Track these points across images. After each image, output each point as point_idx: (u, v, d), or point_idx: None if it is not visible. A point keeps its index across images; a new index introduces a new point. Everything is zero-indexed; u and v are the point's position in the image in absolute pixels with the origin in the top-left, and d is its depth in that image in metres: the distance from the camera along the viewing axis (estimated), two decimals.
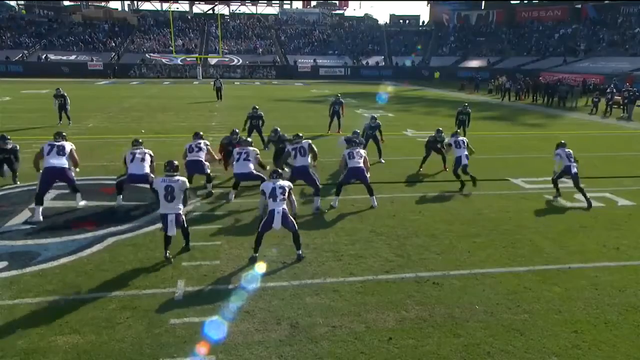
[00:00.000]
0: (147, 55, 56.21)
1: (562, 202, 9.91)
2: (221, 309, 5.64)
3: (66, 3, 63.59)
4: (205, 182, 10.20)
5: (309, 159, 9.30)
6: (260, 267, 6.73)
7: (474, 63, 53.91)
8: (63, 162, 8.73)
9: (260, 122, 14.50)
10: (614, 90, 25.72)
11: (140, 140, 9.45)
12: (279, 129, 11.33)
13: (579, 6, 56.48)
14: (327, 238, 7.68)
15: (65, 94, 18.80)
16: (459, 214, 9.07)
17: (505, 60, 52.73)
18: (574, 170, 9.58)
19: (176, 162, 6.95)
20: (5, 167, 10.28)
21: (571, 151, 9.98)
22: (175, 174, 6.85)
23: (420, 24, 69.87)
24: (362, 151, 9.53)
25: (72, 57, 53.28)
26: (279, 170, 7.62)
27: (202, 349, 4.87)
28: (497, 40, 58.68)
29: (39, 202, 8.40)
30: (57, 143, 8.79)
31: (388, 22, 70.15)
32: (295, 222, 6.93)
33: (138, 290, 5.92)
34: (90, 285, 6.08)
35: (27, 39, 55.46)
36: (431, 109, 26.64)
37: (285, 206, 6.77)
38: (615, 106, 24.92)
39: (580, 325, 5.41)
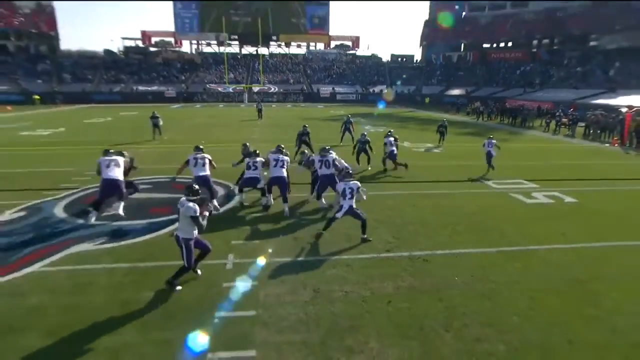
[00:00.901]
0: (207, 85, 56.69)
1: (523, 198, 9.74)
2: (260, 277, 5.73)
3: (152, 49, 64.64)
4: (210, 198, 8.28)
5: (332, 170, 8.33)
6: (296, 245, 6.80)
7: (456, 91, 53.06)
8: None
9: (308, 138, 14.40)
10: (562, 114, 25.43)
11: (202, 147, 8.60)
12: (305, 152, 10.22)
13: (535, 50, 56.17)
14: (343, 224, 7.69)
15: (159, 116, 18.91)
16: (443, 207, 8.97)
17: (480, 89, 51.74)
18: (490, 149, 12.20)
19: (197, 187, 5.45)
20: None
21: (494, 141, 12.34)
22: (192, 198, 5.30)
23: (414, 61, 69.02)
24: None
25: (154, 88, 54.07)
26: (350, 172, 7.67)
27: (246, 305, 4.97)
28: (473, 74, 57.61)
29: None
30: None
31: (389, 59, 69.36)
32: (361, 213, 6.95)
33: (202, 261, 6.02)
34: (165, 256, 6.21)
35: (124, 75, 56.56)
36: (423, 126, 26.30)
37: (353, 202, 6.85)
38: (563, 126, 24.56)
39: (535, 293, 5.35)
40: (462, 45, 65.33)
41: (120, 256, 6.25)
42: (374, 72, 63.52)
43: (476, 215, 8.50)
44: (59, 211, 8.33)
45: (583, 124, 23.25)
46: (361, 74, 62.59)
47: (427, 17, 68.84)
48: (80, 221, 7.73)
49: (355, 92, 55.71)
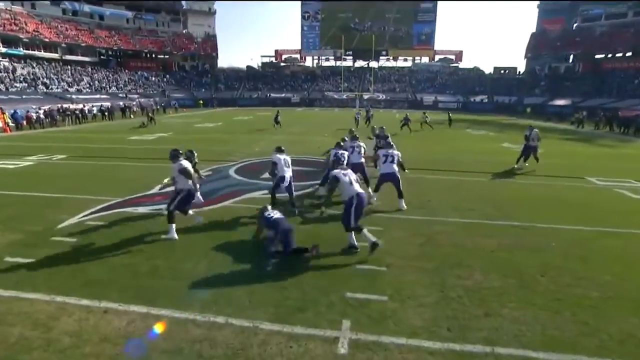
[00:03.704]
0: (325, 93, 59.48)
1: (629, 194, 8.85)
2: (385, 225, 6.45)
3: (282, 64, 70.02)
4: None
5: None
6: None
7: (561, 102, 46.72)
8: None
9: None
10: None
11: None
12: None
13: None
14: (450, 196, 8.02)
15: (279, 111, 23.56)
16: (543, 194, 8.68)
17: (589, 100, 44.93)
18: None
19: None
20: None
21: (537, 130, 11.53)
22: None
23: (517, 73, 62.69)
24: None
25: (283, 95, 58.69)
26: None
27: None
28: (581, 84, 50.19)
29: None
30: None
31: (492, 71, 64.13)
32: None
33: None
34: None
35: (260, 85, 62.54)
36: (520, 131, 24.32)
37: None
38: None
39: (633, 263, 5.16)
40: (571, 56, 57.26)
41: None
42: (475, 83, 59.59)
43: (577, 201, 8.09)
44: (232, 173, 10.34)
45: None
46: (463, 84, 59.20)
47: (534, 29, 62.04)
48: (247, 179, 9.46)
49: (456, 101, 53.07)
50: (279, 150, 7.05)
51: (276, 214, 5.31)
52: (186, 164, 5.83)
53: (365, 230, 5.27)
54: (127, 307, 3.99)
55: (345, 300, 4.19)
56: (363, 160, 8.02)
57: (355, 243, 5.38)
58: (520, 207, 7.61)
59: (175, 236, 5.70)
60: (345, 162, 7.13)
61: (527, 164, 11.68)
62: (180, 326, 3.71)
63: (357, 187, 5.36)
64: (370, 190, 7.68)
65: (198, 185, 6.15)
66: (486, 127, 27.45)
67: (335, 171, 5.66)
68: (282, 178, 6.81)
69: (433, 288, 4.46)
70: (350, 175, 5.50)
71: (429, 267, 4.98)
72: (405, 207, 7.32)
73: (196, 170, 6.66)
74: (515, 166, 11.58)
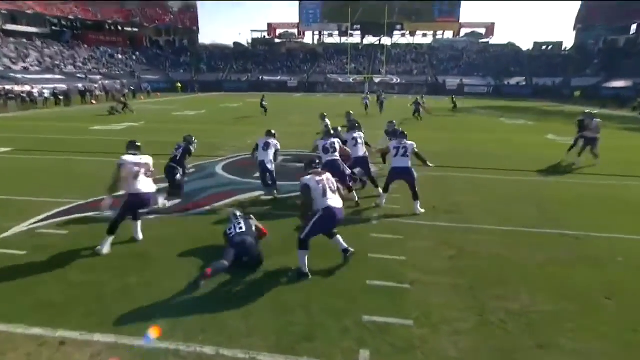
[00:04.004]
0: (328, 75, 59.56)
1: None
2: (406, 233, 6.39)
3: (277, 41, 70.23)
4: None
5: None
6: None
7: (619, 83, 46.25)
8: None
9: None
10: None
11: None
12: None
13: None
14: (479, 198, 7.92)
15: (264, 96, 25.54)
16: (600, 194, 8.59)
17: None
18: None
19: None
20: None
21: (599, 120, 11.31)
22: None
23: (563, 49, 62.51)
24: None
25: (278, 77, 58.86)
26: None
27: (395, 251, 5.66)
28: None
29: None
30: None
31: (531, 47, 64.00)
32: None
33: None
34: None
35: (251, 65, 62.70)
36: (569, 120, 24.23)
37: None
38: None
39: None
40: (634, 26, 56.38)
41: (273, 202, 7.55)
42: (510, 62, 59.60)
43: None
44: (219, 170, 10.37)
45: None
46: (495, 64, 59.20)
47: None
48: (238, 178, 9.46)
49: (487, 85, 53.14)
50: (269, 134, 8.14)
51: (238, 226, 5.35)
52: (127, 158, 5.52)
53: (306, 254, 4.94)
54: (90, 337, 3.84)
55: (362, 325, 4.09)
56: (366, 153, 8.09)
57: (306, 269, 4.98)
58: (572, 212, 7.50)
59: (105, 251, 5.47)
60: (329, 159, 7.24)
61: (580, 158, 11.56)
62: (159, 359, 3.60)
63: (331, 200, 4.94)
64: (380, 189, 7.77)
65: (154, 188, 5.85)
66: (524, 115, 27.40)
67: (307, 178, 4.99)
68: (261, 163, 7.77)
69: (469, 311, 4.35)
70: (327, 183, 4.99)
71: (462, 285, 4.86)
72: (422, 210, 7.28)
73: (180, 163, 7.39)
74: (565, 159, 11.49)
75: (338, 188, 5.17)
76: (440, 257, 5.60)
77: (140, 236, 5.99)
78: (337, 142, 7.63)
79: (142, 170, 5.59)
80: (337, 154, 7.49)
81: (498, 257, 5.62)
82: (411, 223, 6.81)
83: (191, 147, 7.58)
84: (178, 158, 7.46)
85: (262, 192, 8.26)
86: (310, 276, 4.97)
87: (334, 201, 4.97)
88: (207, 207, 7.47)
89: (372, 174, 8.27)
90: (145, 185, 5.62)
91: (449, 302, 4.52)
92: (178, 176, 7.44)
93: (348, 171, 7.61)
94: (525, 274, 5.14)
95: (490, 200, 8.11)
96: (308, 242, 4.94)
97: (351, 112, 11.18)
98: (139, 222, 6.00)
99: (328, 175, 5.19)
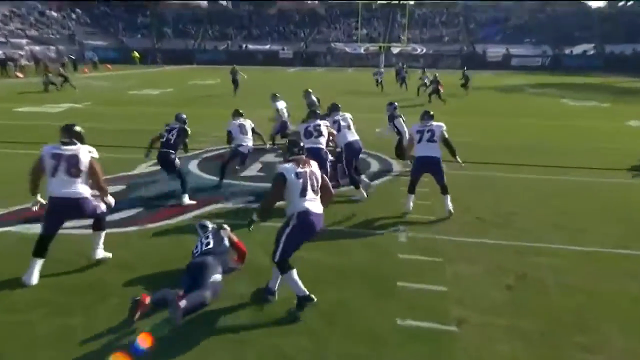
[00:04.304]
0: (332, 44, 59.57)
1: None
2: (444, 253, 6.24)
3: None
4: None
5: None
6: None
7: None
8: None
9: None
10: None
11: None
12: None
13: None
14: (544, 209, 7.76)
15: (234, 67, 25.92)
16: None
17: None
18: None
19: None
20: None
21: None
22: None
23: None
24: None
25: (267, 47, 58.90)
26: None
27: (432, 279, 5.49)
28: None
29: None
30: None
31: (603, 6, 63.66)
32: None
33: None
34: None
35: (232, 31, 62.68)
36: None
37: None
38: None
39: None
40: None
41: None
42: (574, 25, 59.33)
43: None
44: (193, 168, 10.42)
45: None
46: (553, 28, 58.98)
47: None
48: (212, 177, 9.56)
49: (542, 55, 53.09)
50: (237, 114, 9.31)
51: (205, 241, 5.29)
52: (47, 148, 5.26)
53: (294, 274, 4.74)
54: None
55: None
56: (357, 138, 8.26)
57: (275, 288, 5.01)
58: None
59: (33, 280, 5.24)
60: (309, 145, 7.14)
61: None
62: None
63: (311, 202, 4.74)
64: (363, 193, 8.20)
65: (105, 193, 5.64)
66: (595, 95, 27.41)
67: (285, 166, 4.80)
68: (237, 148, 8.86)
69: None
70: (309, 178, 4.77)
71: (529, 329, 4.66)
72: (451, 208, 7.43)
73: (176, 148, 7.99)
74: None
75: (325, 186, 4.95)
76: (494, 287, 5.45)
77: (100, 254, 5.77)
78: (323, 124, 7.66)
79: (64, 166, 5.20)
80: (322, 139, 7.49)
81: (574, 288, 5.46)
82: (451, 240, 6.73)
83: (187, 128, 8.16)
84: (173, 142, 7.86)
85: (252, 198, 8.36)
86: (315, 300, 4.79)
87: (314, 205, 4.77)
88: (179, 218, 7.38)
89: (395, 173, 8.71)
90: (69, 185, 5.23)
91: (514, 353, 4.32)
92: (177, 161, 7.96)
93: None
94: (617, 313, 4.96)
95: (556, 211, 7.98)
96: (287, 262, 4.74)
97: (310, 89, 12.43)
98: (102, 234, 5.77)
99: (314, 167, 4.92)
